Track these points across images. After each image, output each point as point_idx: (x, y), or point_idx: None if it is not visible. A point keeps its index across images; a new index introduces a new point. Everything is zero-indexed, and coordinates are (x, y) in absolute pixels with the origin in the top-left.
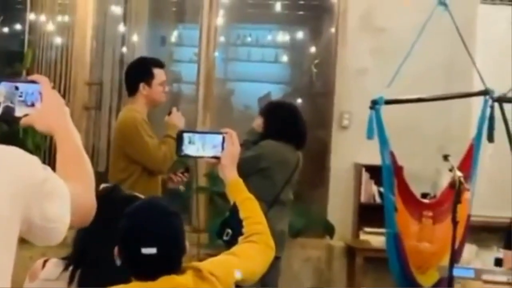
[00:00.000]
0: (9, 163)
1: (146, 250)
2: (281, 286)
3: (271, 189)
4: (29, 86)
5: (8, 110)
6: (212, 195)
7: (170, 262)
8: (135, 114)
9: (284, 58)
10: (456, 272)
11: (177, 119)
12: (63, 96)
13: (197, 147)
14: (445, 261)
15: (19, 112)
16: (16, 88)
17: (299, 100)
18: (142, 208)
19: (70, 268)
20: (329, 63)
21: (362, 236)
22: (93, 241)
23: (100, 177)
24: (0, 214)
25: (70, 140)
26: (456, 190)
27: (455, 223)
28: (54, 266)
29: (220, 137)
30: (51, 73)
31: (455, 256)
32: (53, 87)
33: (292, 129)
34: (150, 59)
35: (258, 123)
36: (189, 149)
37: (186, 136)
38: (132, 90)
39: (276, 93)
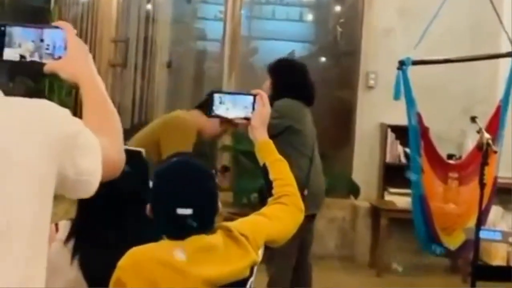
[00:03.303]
0: (42, 117)
1: (182, 211)
2: None
3: (306, 144)
4: (55, 36)
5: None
6: (237, 154)
7: (204, 222)
8: (190, 122)
9: (309, 17)
10: (482, 235)
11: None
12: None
13: (228, 107)
14: (471, 223)
15: (43, 60)
16: (42, 40)
17: (324, 59)
18: (178, 169)
19: (73, 241)
20: (355, 22)
21: (387, 197)
22: (95, 215)
23: (124, 134)
24: (37, 170)
25: (96, 89)
26: (483, 152)
27: (482, 185)
28: (65, 228)
29: (251, 98)
30: (77, 30)
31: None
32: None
33: (302, 86)
34: None
35: (267, 85)
36: (220, 109)
37: (216, 96)
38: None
39: (300, 51)
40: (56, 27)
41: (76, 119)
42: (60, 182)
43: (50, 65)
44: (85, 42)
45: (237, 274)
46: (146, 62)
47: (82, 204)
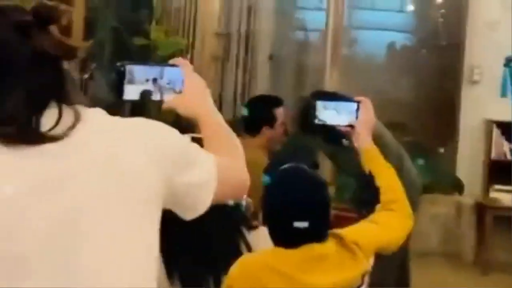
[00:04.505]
0: (150, 129)
1: (298, 224)
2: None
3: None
4: (174, 73)
5: (147, 94)
6: None
7: (319, 233)
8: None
9: (410, 7)
10: None
11: None
12: (192, 46)
13: (332, 114)
14: None
15: (164, 97)
16: (161, 77)
17: (424, 51)
18: (293, 179)
19: None
20: (457, 13)
21: (492, 194)
22: None
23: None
24: (146, 183)
25: (215, 123)
26: None
27: None
28: None
29: (354, 104)
30: (180, 22)
31: None
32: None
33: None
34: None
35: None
36: (324, 116)
37: (320, 103)
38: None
39: (400, 42)
40: (174, 65)
41: (185, 136)
42: (172, 199)
43: (168, 103)
44: (188, 35)
45: (349, 283)
46: (248, 54)
47: None
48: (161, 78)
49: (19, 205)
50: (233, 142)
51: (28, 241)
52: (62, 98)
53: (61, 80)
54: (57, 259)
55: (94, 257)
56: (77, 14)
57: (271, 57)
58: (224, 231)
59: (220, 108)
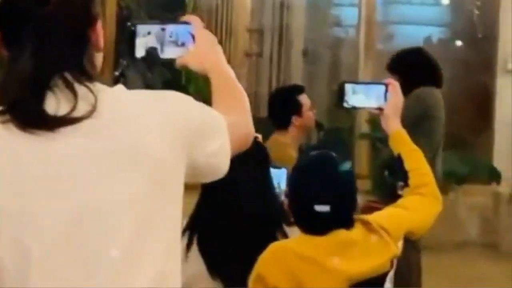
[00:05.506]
0: (166, 107)
1: (319, 208)
2: (446, 234)
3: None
4: (179, 27)
5: (152, 52)
6: (374, 141)
7: (342, 219)
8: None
9: (445, 0)
10: None
11: None
12: (223, 42)
13: (360, 97)
14: None
15: (168, 53)
16: (165, 29)
17: (460, 43)
18: (317, 164)
19: (187, 233)
20: (492, 5)
21: None
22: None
23: (261, 122)
24: (164, 160)
25: (225, 78)
26: None
27: None
28: None
29: (382, 87)
30: (213, 20)
31: None
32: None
33: (433, 70)
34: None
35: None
36: (353, 100)
37: (349, 86)
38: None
39: (436, 35)
40: (184, 22)
41: (198, 102)
42: (191, 170)
43: (180, 60)
44: (221, 32)
45: (378, 268)
46: (282, 50)
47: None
48: (163, 31)
49: (43, 190)
50: (242, 99)
51: (54, 225)
52: (78, 71)
53: (76, 49)
54: (80, 245)
55: (118, 242)
56: (109, 10)
57: (305, 53)
58: (265, 228)
59: (255, 105)
